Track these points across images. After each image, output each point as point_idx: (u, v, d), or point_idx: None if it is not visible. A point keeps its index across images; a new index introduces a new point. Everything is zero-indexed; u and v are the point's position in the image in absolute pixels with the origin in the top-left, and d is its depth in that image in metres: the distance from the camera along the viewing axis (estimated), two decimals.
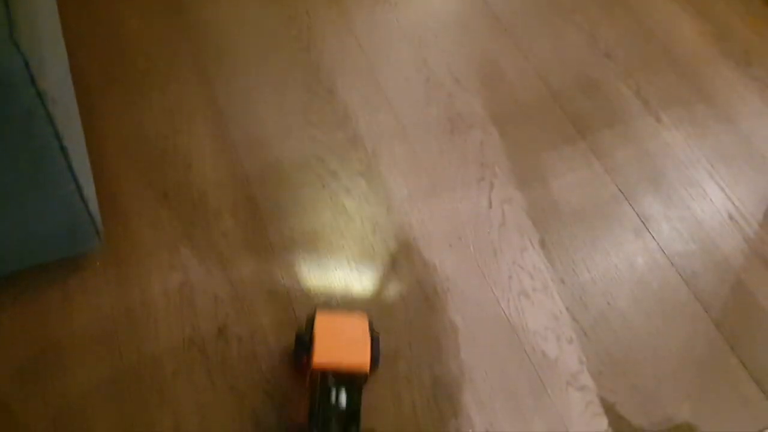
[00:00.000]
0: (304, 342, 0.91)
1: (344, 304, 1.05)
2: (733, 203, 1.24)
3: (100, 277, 1.02)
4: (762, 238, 1.20)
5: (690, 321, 1.09)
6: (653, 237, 1.18)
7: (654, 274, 1.13)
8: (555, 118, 1.32)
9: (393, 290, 1.07)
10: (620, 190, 1.23)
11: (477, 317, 1.05)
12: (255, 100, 1.26)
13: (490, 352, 1.02)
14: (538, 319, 1.06)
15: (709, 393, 1.02)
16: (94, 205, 0.94)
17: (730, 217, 1.22)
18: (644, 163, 1.27)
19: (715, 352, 1.06)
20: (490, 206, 1.18)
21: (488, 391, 0.98)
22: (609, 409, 0.98)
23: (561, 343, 1.04)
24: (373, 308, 1.04)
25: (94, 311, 0.99)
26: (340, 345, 0.88)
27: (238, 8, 1.40)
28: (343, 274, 1.07)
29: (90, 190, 0.94)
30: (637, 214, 1.20)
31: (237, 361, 0.97)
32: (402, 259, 1.10)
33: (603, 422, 0.98)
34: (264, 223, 1.11)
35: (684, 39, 1.47)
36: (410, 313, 1.05)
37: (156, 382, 0.94)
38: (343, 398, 0.84)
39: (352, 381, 0.85)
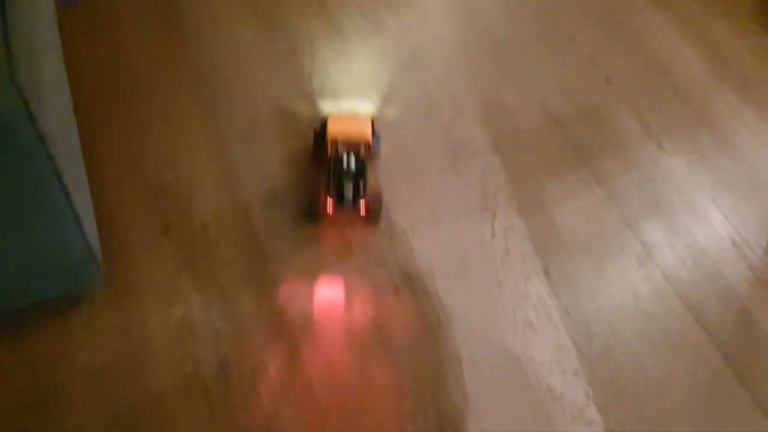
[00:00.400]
0: (319, 135, 1.17)
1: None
2: (737, 230, 1.23)
3: (101, 312, 1.01)
4: (766, 265, 1.19)
5: (696, 351, 1.08)
6: (657, 265, 1.17)
7: (658, 303, 1.12)
8: (556, 144, 1.32)
9: (396, 321, 1.06)
10: (623, 218, 1.22)
11: (481, 349, 1.04)
12: (257, 130, 1.26)
13: (495, 385, 1.01)
14: (544, 350, 1.05)
15: (717, 425, 1.00)
16: (94, 240, 0.94)
17: (734, 244, 1.21)
18: (646, 189, 1.27)
19: (721, 382, 1.05)
20: (494, 235, 1.17)
21: (493, 426, 0.97)
22: None
23: (567, 375, 1.03)
24: (376, 337, 1.03)
25: (94, 347, 0.98)
26: (348, 123, 1.18)
27: (242, 38, 1.41)
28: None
29: (90, 225, 0.93)
30: (641, 242, 1.19)
31: (238, 398, 0.95)
32: (405, 289, 1.09)
33: None
34: (266, 252, 1.10)
35: (684, 65, 1.47)
36: (413, 344, 1.03)
37: (157, 419, 0.93)
38: (352, 162, 1.10)
39: (358, 151, 1.14)
